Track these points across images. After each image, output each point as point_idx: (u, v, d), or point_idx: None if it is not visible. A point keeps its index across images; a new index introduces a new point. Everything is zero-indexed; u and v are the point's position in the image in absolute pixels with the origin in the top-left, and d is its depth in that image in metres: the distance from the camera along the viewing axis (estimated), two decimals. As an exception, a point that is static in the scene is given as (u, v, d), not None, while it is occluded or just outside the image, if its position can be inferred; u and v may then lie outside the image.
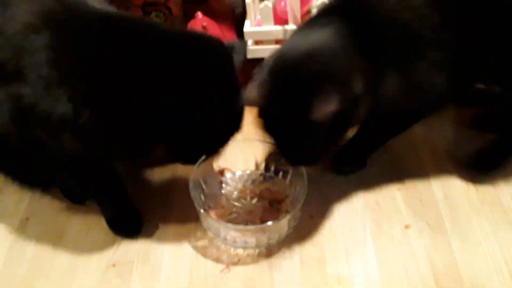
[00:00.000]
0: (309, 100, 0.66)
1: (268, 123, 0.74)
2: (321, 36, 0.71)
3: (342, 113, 0.67)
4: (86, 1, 0.69)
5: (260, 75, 0.73)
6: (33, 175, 0.83)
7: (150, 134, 0.71)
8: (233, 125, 0.75)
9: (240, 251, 0.79)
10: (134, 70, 0.65)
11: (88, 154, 0.71)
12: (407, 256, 0.77)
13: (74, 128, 0.65)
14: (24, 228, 0.83)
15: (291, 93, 0.68)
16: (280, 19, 0.95)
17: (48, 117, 0.63)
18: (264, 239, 0.78)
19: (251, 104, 0.74)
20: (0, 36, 0.64)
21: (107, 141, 0.69)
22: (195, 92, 0.67)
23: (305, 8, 0.98)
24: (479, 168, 0.90)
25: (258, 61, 0.98)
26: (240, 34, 0.98)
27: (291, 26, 0.93)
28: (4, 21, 0.64)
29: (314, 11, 0.96)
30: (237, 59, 0.75)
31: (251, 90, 0.72)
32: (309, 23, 0.76)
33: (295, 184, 0.84)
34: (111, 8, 0.72)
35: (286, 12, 0.93)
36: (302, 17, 0.94)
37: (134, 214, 0.84)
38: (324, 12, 0.76)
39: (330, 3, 0.79)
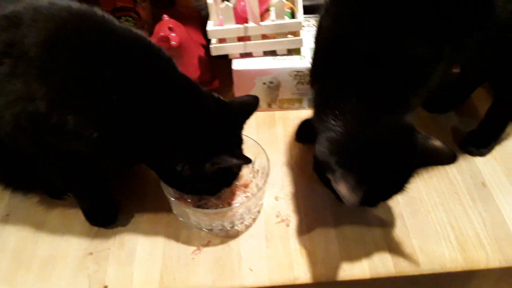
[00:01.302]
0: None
1: None
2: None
3: None
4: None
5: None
6: (17, 176, 0.87)
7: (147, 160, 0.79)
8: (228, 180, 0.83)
9: (210, 233, 0.85)
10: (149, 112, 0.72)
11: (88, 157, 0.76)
12: (363, 227, 0.84)
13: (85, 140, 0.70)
14: (5, 224, 0.87)
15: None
16: (241, 18, 1.01)
17: (61, 128, 0.69)
18: (232, 221, 0.84)
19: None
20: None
21: (111, 153, 0.75)
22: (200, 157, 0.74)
23: (264, 7, 1.04)
24: (465, 149, 0.97)
25: (221, 57, 1.05)
26: (206, 34, 1.03)
27: (252, 24, 0.99)
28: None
29: (272, 9, 1.02)
30: (249, 113, 0.81)
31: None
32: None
33: (260, 169, 0.90)
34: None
35: (246, 12, 0.99)
36: (261, 15, 1.01)
37: (111, 205, 0.89)
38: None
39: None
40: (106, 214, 0.88)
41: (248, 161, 0.76)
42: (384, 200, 0.78)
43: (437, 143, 0.69)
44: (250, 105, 0.81)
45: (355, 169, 0.67)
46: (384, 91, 0.71)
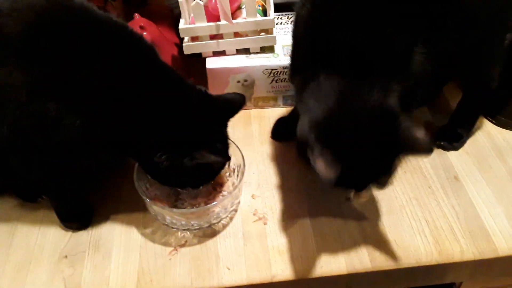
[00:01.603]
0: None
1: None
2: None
3: None
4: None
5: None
6: None
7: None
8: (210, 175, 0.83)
9: (186, 233, 0.84)
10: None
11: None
12: (340, 224, 0.84)
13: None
14: (-24, 229, 0.85)
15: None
16: (212, 16, 1.00)
17: (43, 117, 0.69)
18: (208, 220, 0.84)
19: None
20: None
21: (93, 143, 0.74)
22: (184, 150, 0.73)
23: (235, 5, 1.04)
24: (438, 145, 0.98)
25: (195, 56, 1.05)
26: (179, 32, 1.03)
27: (223, 22, 0.99)
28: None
29: (244, 7, 1.02)
30: (234, 110, 0.81)
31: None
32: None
33: (236, 167, 0.90)
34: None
35: (217, 9, 0.99)
36: (232, 13, 1.00)
37: (85, 206, 0.87)
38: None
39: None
40: (80, 216, 0.86)
41: (227, 159, 0.75)
42: (367, 182, 0.76)
43: (419, 133, 0.68)
44: (235, 103, 0.81)
45: (333, 146, 0.67)
46: (364, 72, 0.71)
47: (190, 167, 0.74)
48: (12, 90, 0.68)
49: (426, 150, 0.70)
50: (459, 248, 0.81)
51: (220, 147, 0.79)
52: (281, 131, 1.02)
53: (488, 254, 0.81)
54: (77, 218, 0.86)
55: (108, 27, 0.74)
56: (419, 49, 0.74)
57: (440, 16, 0.74)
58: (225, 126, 0.81)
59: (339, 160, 0.65)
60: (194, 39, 1.03)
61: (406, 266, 0.79)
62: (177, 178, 0.79)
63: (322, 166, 0.65)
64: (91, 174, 0.89)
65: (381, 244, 0.82)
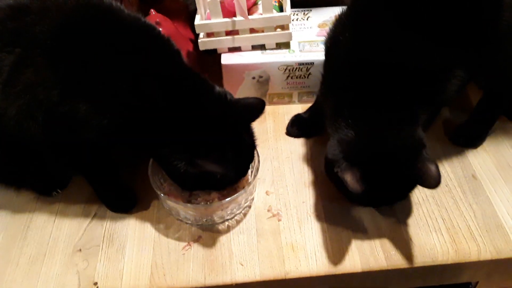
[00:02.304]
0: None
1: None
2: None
3: None
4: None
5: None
6: (7, 173, 0.87)
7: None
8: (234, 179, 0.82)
9: (200, 229, 0.84)
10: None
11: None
12: (354, 221, 0.84)
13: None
14: (-8, 222, 0.86)
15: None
16: (228, 12, 1.00)
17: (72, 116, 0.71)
18: (222, 216, 0.84)
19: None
20: None
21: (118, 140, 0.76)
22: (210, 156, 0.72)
23: (251, 1, 1.04)
24: (457, 142, 0.98)
25: (210, 52, 1.04)
26: (194, 28, 1.02)
27: (239, 18, 0.98)
28: None
29: (260, 3, 1.02)
30: (253, 116, 0.80)
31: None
32: None
33: (250, 165, 0.89)
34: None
35: (233, 5, 0.98)
36: (248, 9, 1.00)
37: (127, 190, 0.89)
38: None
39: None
40: (124, 199, 0.88)
41: (227, 170, 0.74)
42: (384, 204, 0.82)
43: (432, 167, 0.71)
44: (255, 108, 0.79)
45: (360, 166, 0.71)
46: (395, 104, 0.75)
47: (193, 173, 0.74)
48: (42, 90, 0.69)
49: (434, 186, 0.72)
50: (476, 247, 0.80)
51: (231, 156, 0.76)
52: (296, 128, 1.02)
53: (506, 253, 0.79)
54: (121, 201, 0.87)
55: (137, 29, 0.76)
56: (456, 74, 0.77)
57: (479, 41, 0.77)
58: (246, 130, 0.80)
59: (365, 179, 0.70)
60: (209, 35, 1.03)
61: (421, 264, 0.78)
62: (186, 181, 0.79)
63: (350, 178, 0.70)
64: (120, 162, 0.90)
65: (396, 242, 0.81)
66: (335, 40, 0.84)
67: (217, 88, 0.78)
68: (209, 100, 0.77)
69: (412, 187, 0.78)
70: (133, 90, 0.71)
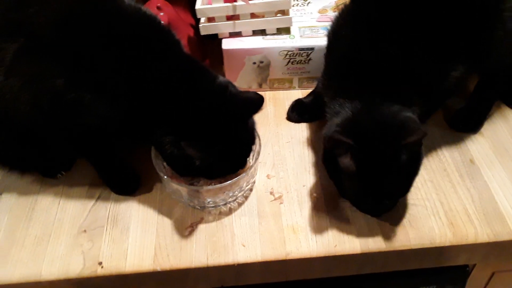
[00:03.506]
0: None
1: None
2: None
3: None
4: None
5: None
6: (12, 156, 0.88)
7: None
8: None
9: (203, 211, 0.86)
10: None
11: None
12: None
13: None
14: (-2, 203, 0.87)
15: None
16: (230, -4, 1.00)
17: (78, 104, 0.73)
18: (224, 198, 0.85)
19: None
20: None
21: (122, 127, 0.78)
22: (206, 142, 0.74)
23: (253, -15, 1.04)
24: (455, 127, 0.99)
25: (211, 37, 1.05)
26: (195, 13, 1.03)
27: (240, 3, 0.99)
28: None
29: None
30: (251, 111, 0.80)
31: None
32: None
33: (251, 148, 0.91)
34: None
35: (235, -10, 0.99)
36: (250, -6, 1.00)
37: (130, 172, 0.90)
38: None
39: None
40: (128, 181, 0.89)
41: (206, 158, 0.74)
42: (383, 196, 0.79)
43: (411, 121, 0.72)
44: (254, 104, 0.79)
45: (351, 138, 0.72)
46: (395, 94, 0.76)
47: (177, 156, 0.75)
48: (47, 80, 0.71)
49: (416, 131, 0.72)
50: (473, 230, 0.81)
51: (219, 147, 0.76)
52: (297, 113, 1.03)
53: (503, 236, 0.81)
54: (124, 183, 0.89)
55: (137, 19, 0.77)
56: (456, 67, 0.78)
57: (481, 37, 0.78)
58: (243, 125, 0.80)
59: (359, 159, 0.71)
60: (210, 19, 1.03)
61: (419, 246, 0.80)
62: (176, 164, 0.80)
63: (346, 160, 0.71)
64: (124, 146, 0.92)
65: (395, 224, 0.82)
66: (337, 33, 0.86)
67: (219, 79, 0.79)
68: (207, 90, 0.77)
69: (408, 176, 0.76)
70: (134, 79, 0.73)
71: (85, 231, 0.83)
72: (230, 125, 0.77)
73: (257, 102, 0.79)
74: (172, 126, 0.75)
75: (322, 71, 0.91)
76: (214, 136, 0.76)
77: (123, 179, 0.89)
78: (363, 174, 0.73)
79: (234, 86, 0.80)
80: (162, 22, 0.96)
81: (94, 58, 0.72)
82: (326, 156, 0.79)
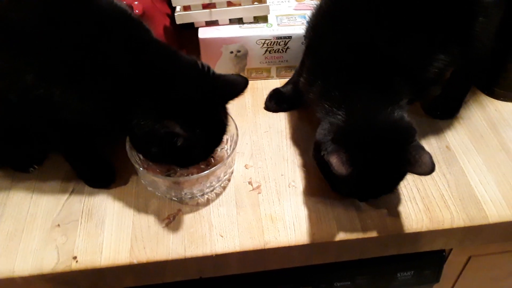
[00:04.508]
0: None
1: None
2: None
3: None
4: None
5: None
6: None
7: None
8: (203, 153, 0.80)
9: (180, 202, 0.85)
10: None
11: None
12: (332, 192, 0.84)
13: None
14: (-33, 199, 0.85)
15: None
16: (205, -15, 0.99)
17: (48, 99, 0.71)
18: (201, 189, 0.84)
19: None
20: None
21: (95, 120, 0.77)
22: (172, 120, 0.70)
23: (228, -27, 1.03)
24: (433, 115, 0.99)
25: (187, 26, 1.03)
26: (170, 3, 1.01)
27: (216, -9, 0.98)
28: None
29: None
30: (234, 93, 0.78)
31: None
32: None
33: (229, 137, 0.90)
34: None
35: (210, -22, 0.97)
36: (225, -18, 0.99)
37: (106, 164, 0.89)
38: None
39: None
40: (103, 174, 0.87)
41: (191, 138, 0.71)
42: (371, 194, 0.81)
43: (426, 156, 0.71)
44: (237, 86, 0.78)
45: (348, 149, 0.71)
46: (383, 86, 0.76)
47: (157, 136, 0.72)
48: (17, 74, 0.69)
49: (428, 173, 0.72)
50: (449, 215, 0.82)
51: (200, 128, 0.73)
52: (275, 102, 1.02)
53: (478, 220, 0.82)
54: (100, 176, 0.87)
55: (110, 12, 0.75)
56: (438, 57, 0.78)
57: (464, 25, 0.78)
58: (222, 108, 0.79)
59: (352, 162, 0.69)
60: (186, 8, 1.01)
61: (396, 232, 0.80)
62: (150, 148, 0.77)
63: (335, 161, 0.69)
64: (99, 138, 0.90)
65: (373, 211, 0.82)
66: (318, 31, 0.85)
67: (200, 63, 0.77)
68: (188, 72, 0.76)
69: (401, 176, 0.77)
70: (107, 73, 0.71)
71: (58, 225, 0.81)
72: (214, 106, 0.76)
73: (241, 84, 0.78)
74: (153, 110, 0.72)
75: (302, 68, 0.90)
76: (197, 117, 0.73)
77: (98, 172, 0.87)
78: (358, 179, 0.73)
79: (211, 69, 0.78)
80: (135, 12, 0.94)
81: (63, 53, 0.70)
82: (317, 152, 0.78)
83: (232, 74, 0.81)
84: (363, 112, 0.75)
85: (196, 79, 0.76)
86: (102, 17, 0.74)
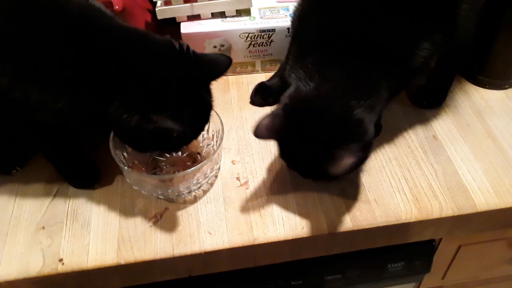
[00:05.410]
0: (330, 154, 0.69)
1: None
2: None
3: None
4: None
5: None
6: None
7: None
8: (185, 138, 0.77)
9: (167, 200, 0.83)
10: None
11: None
12: (321, 185, 0.84)
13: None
14: (-51, 204, 0.83)
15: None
16: (186, -22, 0.97)
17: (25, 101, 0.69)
18: (188, 186, 0.83)
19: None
20: None
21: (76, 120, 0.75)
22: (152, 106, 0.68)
23: (209, -34, 1.01)
24: (419, 104, 0.99)
25: (169, 21, 1.02)
26: (151, -1, 1.00)
27: (197, -14, 0.96)
28: None
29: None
30: (217, 73, 0.75)
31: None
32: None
33: (215, 133, 0.89)
34: None
35: (191, -29, 0.96)
36: (206, -24, 0.98)
37: (89, 164, 0.87)
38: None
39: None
40: (87, 174, 0.86)
41: (186, 127, 0.70)
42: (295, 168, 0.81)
43: (347, 160, 0.69)
44: (220, 64, 0.75)
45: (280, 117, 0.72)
46: (361, 77, 0.75)
47: (149, 130, 0.69)
48: None
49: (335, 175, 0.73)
50: (438, 204, 0.82)
51: (188, 113, 0.71)
52: (260, 97, 1.01)
53: (467, 209, 0.82)
54: (83, 176, 0.86)
55: (83, 10, 0.72)
56: (423, 46, 0.76)
57: (447, 13, 0.77)
58: (205, 88, 0.75)
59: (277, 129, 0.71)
60: (167, 3, 1.00)
61: (386, 224, 0.80)
62: (141, 140, 0.75)
63: (265, 120, 0.71)
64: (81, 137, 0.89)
65: (361, 203, 0.82)
66: (304, 17, 0.83)
67: (176, 42, 0.74)
68: (166, 53, 0.72)
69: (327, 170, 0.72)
70: (78, 70, 0.69)
71: (43, 227, 0.79)
72: (197, 88, 0.73)
73: (224, 63, 0.76)
74: (135, 103, 0.69)
75: (287, 61, 0.88)
76: (182, 102, 0.70)
77: (82, 172, 0.86)
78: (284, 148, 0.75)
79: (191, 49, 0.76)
80: (115, 8, 0.93)
81: (37, 55, 0.68)
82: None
83: (215, 53, 0.77)
84: (327, 94, 0.72)
85: (174, 61, 0.72)
86: (67, 15, 0.71)
